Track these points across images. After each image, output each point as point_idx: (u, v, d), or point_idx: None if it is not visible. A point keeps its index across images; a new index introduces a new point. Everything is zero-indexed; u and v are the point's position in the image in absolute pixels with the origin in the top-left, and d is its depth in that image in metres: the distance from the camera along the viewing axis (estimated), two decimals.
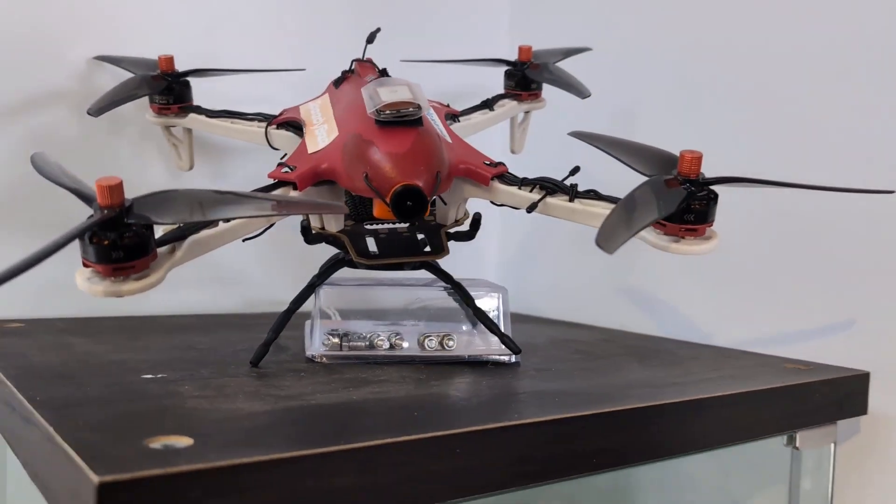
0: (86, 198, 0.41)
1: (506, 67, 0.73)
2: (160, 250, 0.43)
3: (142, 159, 0.77)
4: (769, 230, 0.72)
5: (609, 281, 0.87)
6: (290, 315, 0.56)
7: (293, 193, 0.50)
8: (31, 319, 0.70)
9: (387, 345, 0.57)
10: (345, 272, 0.57)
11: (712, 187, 0.46)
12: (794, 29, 0.71)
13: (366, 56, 0.64)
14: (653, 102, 0.82)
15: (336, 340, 0.56)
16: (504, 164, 0.54)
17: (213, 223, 0.44)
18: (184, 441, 0.34)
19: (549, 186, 0.51)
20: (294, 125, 0.60)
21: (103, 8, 0.74)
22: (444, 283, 0.58)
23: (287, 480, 0.34)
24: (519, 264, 0.96)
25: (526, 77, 0.72)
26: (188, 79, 0.68)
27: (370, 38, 0.65)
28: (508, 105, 0.71)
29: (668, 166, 0.48)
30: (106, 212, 0.39)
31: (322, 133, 0.54)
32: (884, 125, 0.65)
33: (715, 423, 0.51)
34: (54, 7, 0.72)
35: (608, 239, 0.41)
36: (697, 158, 0.46)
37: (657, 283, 0.83)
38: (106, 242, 0.40)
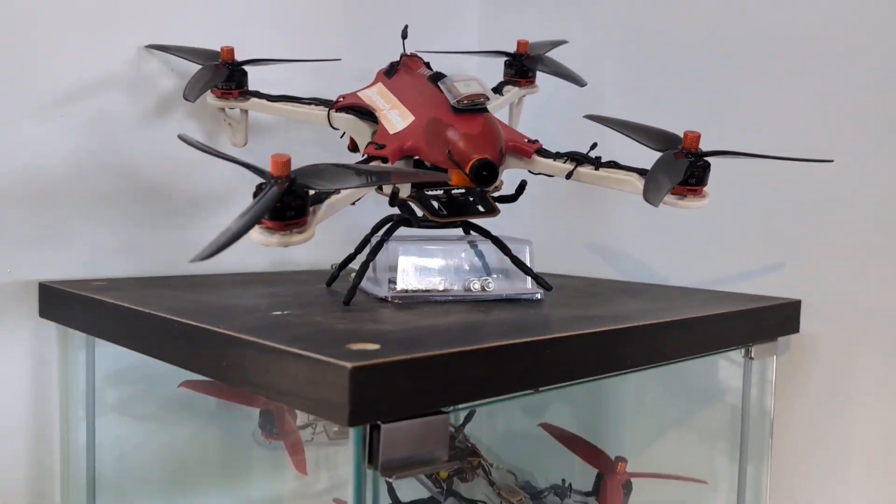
0: (258, 170, 0.53)
1: (506, 58, 0.87)
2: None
3: (195, 138, 0.87)
4: (712, 187, 0.90)
5: (576, 237, 1.04)
6: (369, 264, 0.69)
7: (382, 165, 0.63)
8: (106, 279, 0.80)
9: (441, 287, 0.71)
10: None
11: (707, 158, 0.63)
12: (747, 14, 0.88)
13: (406, 50, 0.77)
14: (613, 85, 0.99)
15: (402, 284, 0.70)
16: (539, 141, 0.68)
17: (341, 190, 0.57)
18: (372, 346, 0.48)
19: (578, 158, 0.66)
20: (356, 109, 0.72)
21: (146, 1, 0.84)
22: (482, 238, 0.72)
23: (453, 368, 0.48)
24: (494, 224, 1.11)
25: (524, 66, 0.86)
26: (245, 67, 0.79)
27: (404, 34, 0.78)
28: (512, 91, 0.85)
29: (673, 143, 0.64)
30: (280, 181, 0.52)
31: (395, 117, 0.67)
32: (811, 103, 0.83)
33: (699, 336, 0.68)
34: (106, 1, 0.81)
35: (653, 197, 0.57)
36: (697, 137, 0.62)
37: (618, 238, 1.00)
38: (281, 205, 0.52)
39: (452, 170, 0.63)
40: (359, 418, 0.43)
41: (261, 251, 0.94)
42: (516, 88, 0.86)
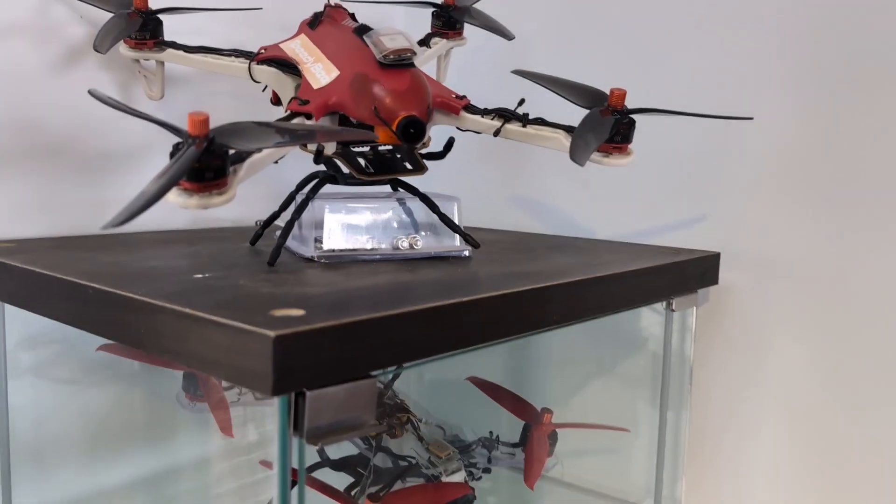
0: (174, 129, 0.51)
1: (433, 9, 0.85)
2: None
3: (98, 88, 0.83)
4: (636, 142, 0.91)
5: (500, 190, 1.04)
6: (293, 224, 0.67)
7: (308, 123, 0.61)
8: (13, 239, 0.76)
9: (368, 246, 0.70)
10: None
11: (633, 116, 0.63)
12: None
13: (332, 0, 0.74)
14: (540, 38, 0.98)
15: (328, 243, 0.69)
16: (467, 97, 0.67)
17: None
18: (297, 312, 0.47)
19: (506, 115, 0.66)
20: (279, 62, 0.70)
21: None
22: (410, 195, 0.72)
23: (379, 332, 0.47)
24: (422, 180, 1.11)
25: (452, 18, 0.84)
26: (160, 16, 0.75)
27: None
28: (439, 43, 0.84)
29: (599, 100, 0.64)
30: (198, 140, 0.49)
31: (319, 71, 0.65)
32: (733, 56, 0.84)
33: (623, 291, 0.70)
34: None
35: (579, 156, 0.56)
36: (623, 94, 0.62)
37: (545, 192, 1.00)
38: (199, 166, 0.50)
39: (379, 127, 0.61)
40: (283, 387, 0.43)
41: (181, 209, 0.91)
42: (444, 41, 0.84)
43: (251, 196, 0.87)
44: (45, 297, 0.59)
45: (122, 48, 0.75)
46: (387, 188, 0.75)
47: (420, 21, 0.88)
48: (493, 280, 0.61)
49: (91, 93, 0.55)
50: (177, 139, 0.51)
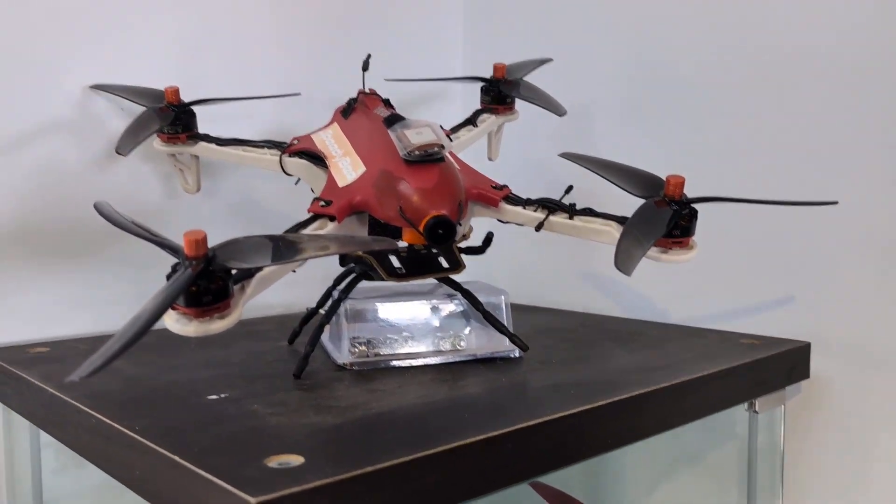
0: (171, 249, 0.47)
1: (482, 84, 0.80)
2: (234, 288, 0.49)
3: (140, 182, 0.81)
4: (715, 216, 0.82)
5: (570, 267, 0.96)
6: (323, 328, 0.62)
7: (331, 225, 0.56)
8: (49, 341, 0.74)
9: (406, 349, 0.64)
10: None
11: (694, 205, 0.55)
12: (733, 42, 0.80)
13: (365, 85, 0.70)
14: (600, 108, 0.91)
15: (362, 348, 0.63)
16: (508, 187, 0.61)
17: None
18: (296, 459, 0.41)
19: (550, 206, 0.59)
20: (309, 154, 0.66)
21: (93, 36, 0.77)
22: (451, 290, 0.66)
23: (392, 483, 0.41)
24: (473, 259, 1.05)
25: (501, 92, 0.79)
26: (193, 108, 0.73)
27: (365, 66, 0.71)
28: (488, 119, 0.78)
29: (655, 188, 0.56)
30: (195, 263, 0.45)
31: (346, 166, 0.61)
32: (819, 133, 0.75)
33: (697, 399, 0.61)
34: (46, 35, 0.75)
35: (625, 263, 0.49)
36: (681, 182, 0.55)
37: (613, 267, 0.92)
38: (196, 290, 0.45)
39: (406, 228, 0.56)
40: None
41: None
42: (493, 117, 0.79)
43: (305, 277, 0.84)
44: (57, 420, 0.56)
45: (156, 143, 0.73)
46: (431, 281, 0.69)
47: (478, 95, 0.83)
48: (543, 396, 0.54)
49: (96, 207, 0.52)
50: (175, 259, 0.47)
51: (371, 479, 0.40)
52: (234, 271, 0.48)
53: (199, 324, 0.46)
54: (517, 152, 0.95)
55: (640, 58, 0.88)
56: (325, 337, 0.68)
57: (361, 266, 0.63)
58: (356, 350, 0.63)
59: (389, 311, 0.65)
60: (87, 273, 0.78)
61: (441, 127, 0.72)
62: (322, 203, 0.57)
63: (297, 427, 0.47)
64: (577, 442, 0.51)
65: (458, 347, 0.65)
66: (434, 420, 0.49)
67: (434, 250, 0.62)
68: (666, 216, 0.54)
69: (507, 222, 0.61)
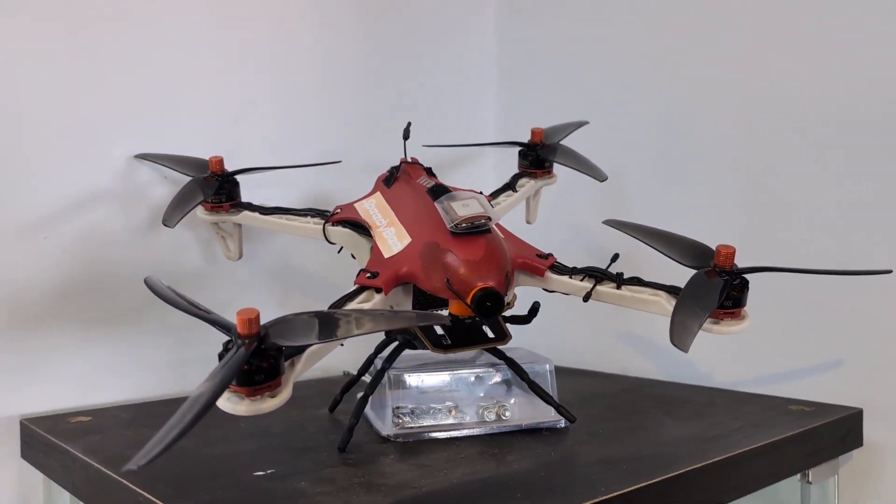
0: (223, 326, 0.47)
1: (519, 148, 0.81)
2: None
3: (181, 249, 0.82)
4: (762, 278, 0.81)
5: (607, 327, 0.95)
6: (367, 400, 0.62)
7: (377, 297, 0.56)
8: (90, 409, 0.74)
9: (450, 420, 0.63)
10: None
11: (745, 276, 0.55)
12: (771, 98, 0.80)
13: (406, 154, 0.70)
14: (638, 171, 0.91)
15: (406, 419, 0.63)
16: (553, 255, 0.61)
17: None
18: None
19: (596, 275, 0.59)
20: (353, 223, 0.66)
21: (136, 106, 0.79)
22: (495, 359, 0.65)
23: None
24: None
25: (539, 157, 0.79)
26: (236, 177, 0.73)
27: (406, 134, 0.71)
28: (527, 184, 0.78)
29: (705, 258, 0.56)
30: (248, 342, 0.45)
31: (391, 236, 0.61)
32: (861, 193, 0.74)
33: (752, 471, 0.59)
34: (90, 105, 0.76)
35: (682, 338, 0.49)
36: (732, 253, 0.54)
37: (654, 328, 0.91)
38: (249, 368, 0.45)
39: (453, 300, 0.56)
40: None
41: None
42: (532, 181, 0.79)
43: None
44: (102, 496, 0.55)
45: (200, 212, 0.74)
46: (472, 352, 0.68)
47: (513, 157, 0.83)
48: (595, 472, 0.53)
49: (147, 283, 0.52)
50: (226, 337, 0.47)
51: None
52: (284, 349, 0.48)
53: (251, 403, 0.46)
54: (554, 216, 0.95)
55: (677, 118, 0.88)
56: (371, 406, 0.68)
57: (405, 335, 0.62)
58: (400, 421, 0.62)
59: (433, 381, 0.64)
60: (126, 341, 0.79)
61: (480, 192, 0.72)
62: (368, 275, 0.57)
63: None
64: None
65: (503, 417, 0.64)
66: (485, 501, 0.48)
67: (477, 320, 0.62)
68: (718, 287, 0.53)
69: (552, 291, 0.61)
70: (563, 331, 0.99)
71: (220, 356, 0.46)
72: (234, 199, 0.73)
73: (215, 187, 0.72)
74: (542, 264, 0.60)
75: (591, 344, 0.96)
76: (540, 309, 0.62)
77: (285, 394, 0.47)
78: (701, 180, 0.86)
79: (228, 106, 0.84)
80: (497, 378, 0.65)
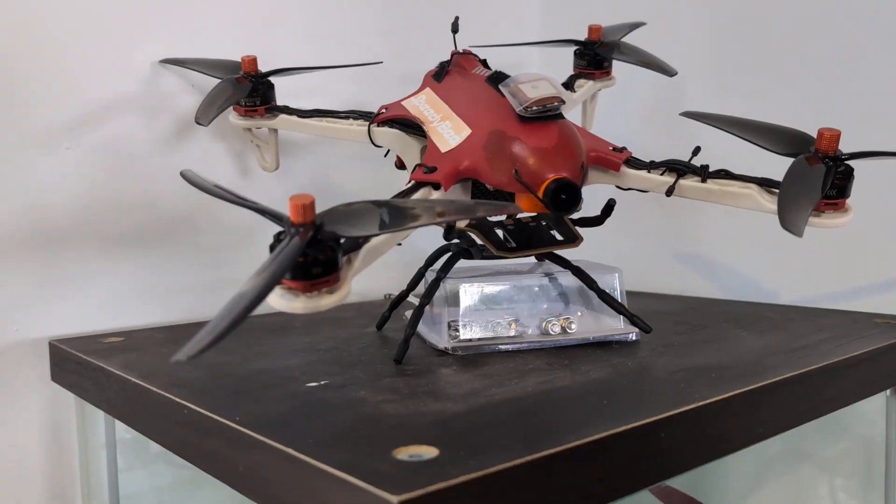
0: (273, 216, 0.41)
1: (575, 48, 0.74)
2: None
3: (213, 161, 0.76)
4: None
5: (664, 248, 0.90)
6: (423, 310, 0.57)
7: (436, 193, 0.51)
8: (122, 331, 0.70)
9: (512, 332, 0.58)
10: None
11: (849, 162, 0.48)
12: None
13: (457, 46, 0.64)
14: (693, 73, 0.84)
15: (465, 332, 0.58)
16: (628, 149, 0.55)
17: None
18: (429, 451, 0.35)
19: (679, 168, 0.53)
20: (401, 122, 0.60)
21: (161, 9, 0.73)
22: (560, 268, 0.60)
23: (536, 478, 0.35)
24: None
25: (598, 56, 0.73)
26: (271, 79, 0.68)
27: (454, 27, 0.65)
28: (586, 85, 0.72)
29: (803, 144, 0.49)
30: (303, 230, 0.40)
31: (447, 130, 0.55)
32: None
33: (847, 383, 0.54)
34: (114, 10, 0.70)
35: (794, 223, 0.43)
36: (836, 136, 0.48)
37: (712, 246, 0.85)
38: (304, 260, 0.40)
39: (522, 194, 0.50)
40: None
41: None
42: (590, 82, 0.72)
43: (379, 264, 0.79)
44: (143, 412, 0.51)
45: (232, 117, 0.68)
46: (531, 259, 0.63)
47: (560, 62, 0.77)
48: (684, 381, 0.48)
49: (183, 175, 0.47)
50: (278, 228, 0.41)
51: (522, 473, 0.34)
52: (342, 241, 0.42)
53: (308, 299, 0.41)
54: (603, 126, 0.89)
55: (735, 12, 0.81)
56: (426, 319, 0.63)
57: (462, 242, 0.57)
58: (457, 333, 0.57)
59: (492, 292, 0.59)
60: (156, 261, 0.74)
61: None
62: (425, 170, 0.51)
63: (417, 416, 0.41)
64: (734, 430, 0.44)
65: (569, 330, 0.59)
66: (570, 408, 0.43)
67: (543, 222, 0.56)
68: (821, 173, 0.47)
69: (627, 189, 0.55)
70: (613, 253, 0.94)
71: (272, 247, 0.41)
72: (270, 103, 0.68)
73: (248, 89, 0.66)
74: (617, 158, 0.54)
75: (644, 266, 0.91)
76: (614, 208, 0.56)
77: (344, 290, 0.42)
78: (761, 80, 0.79)
79: (258, 12, 0.78)
80: (562, 289, 0.60)
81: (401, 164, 0.66)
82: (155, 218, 0.74)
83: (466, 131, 0.53)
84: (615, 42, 0.72)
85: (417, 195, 0.51)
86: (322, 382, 0.49)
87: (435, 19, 0.88)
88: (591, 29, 0.73)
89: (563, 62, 0.76)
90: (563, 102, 0.50)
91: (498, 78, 0.55)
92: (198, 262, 0.76)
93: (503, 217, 0.56)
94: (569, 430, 0.38)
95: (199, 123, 0.63)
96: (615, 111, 0.89)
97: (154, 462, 0.71)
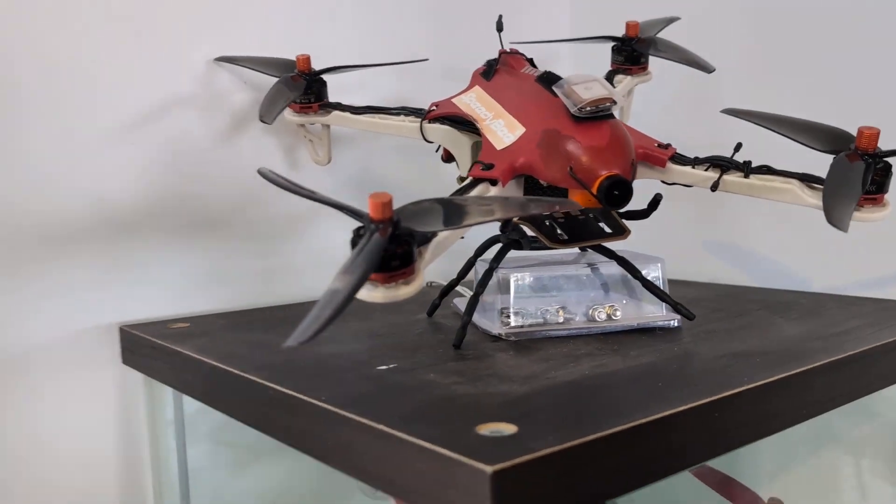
0: (353, 212, 0.45)
1: (613, 44, 0.77)
2: None
3: (264, 155, 0.80)
4: None
5: (693, 235, 0.93)
6: (478, 299, 0.60)
7: (493, 189, 0.54)
8: (186, 317, 0.74)
9: (560, 319, 0.62)
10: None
11: (888, 159, 0.51)
12: None
13: (503, 44, 0.67)
14: (728, 69, 0.87)
15: (517, 318, 0.61)
16: (672, 146, 0.58)
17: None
18: (508, 427, 0.39)
19: (722, 164, 0.56)
20: (452, 119, 0.63)
21: (215, 9, 0.76)
22: (603, 258, 0.63)
23: (611, 452, 0.38)
24: None
25: (635, 51, 0.75)
26: (323, 77, 0.71)
27: (499, 26, 0.68)
28: (624, 81, 0.75)
29: (843, 142, 0.52)
30: (382, 226, 0.43)
31: (500, 128, 0.58)
32: None
33: (880, 369, 0.57)
34: (170, 9, 0.74)
35: (839, 220, 0.46)
36: (875, 134, 0.51)
37: (742, 235, 0.88)
38: (385, 254, 0.43)
39: (576, 190, 0.53)
40: None
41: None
42: (628, 77, 0.75)
43: None
44: (224, 394, 0.55)
45: (287, 113, 0.71)
46: (574, 249, 0.66)
47: (590, 58, 0.79)
48: (730, 365, 0.51)
49: (261, 173, 0.50)
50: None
51: (596, 448, 0.37)
52: (415, 235, 0.46)
53: (386, 290, 0.44)
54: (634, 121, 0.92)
55: (769, 6, 0.83)
56: (480, 307, 0.66)
57: (511, 234, 0.60)
58: (508, 320, 0.61)
59: (542, 281, 0.62)
60: (213, 250, 0.78)
61: None
62: (483, 167, 0.55)
63: (487, 396, 0.45)
64: (779, 411, 0.48)
65: (614, 318, 0.62)
66: (627, 389, 0.46)
67: (591, 215, 0.59)
68: (860, 170, 0.50)
69: (672, 183, 0.58)
70: (645, 243, 0.97)
71: (353, 242, 0.45)
72: (323, 100, 0.71)
73: (303, 87, 0.70)
74: (663, 154, 0.57)
75: (676, 255, 0.94)
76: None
77: (419, 281, 0.45)
78: (797, 74, 0.82)
79: (308, 10, 0.81)
80: (606, 278, 0.63)
81: (447, 158, 0.69)
82: (209, 210, 0.77)
83: (520, 130, 0.57)
84: (652, 38, 0.75)
85: (476, 191, 0.54)
86: (391, 366, 0.53)
87: (470, 17, 0.91)
88: (629, 25, 0.76)
89: (593, 59, 0.79)
90: (615, 103, 0.53)
91: (549, 78, 0.58)
92: (249, 252, 0.80)
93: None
94: (630, 410, 0.41)
95: (263, 122, 0.67)
96: (647, 105, 0.92)
97: (217, 435, 0.75)
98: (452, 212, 0.46)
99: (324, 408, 0.44)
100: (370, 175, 0.86)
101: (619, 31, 0.75)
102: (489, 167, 0.55)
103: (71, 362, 0.70)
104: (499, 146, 0.57)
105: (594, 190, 0.51)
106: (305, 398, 0.45)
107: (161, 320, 0.72)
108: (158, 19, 0.73)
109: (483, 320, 0.63)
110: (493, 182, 0.54)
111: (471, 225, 0.47)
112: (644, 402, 0.42)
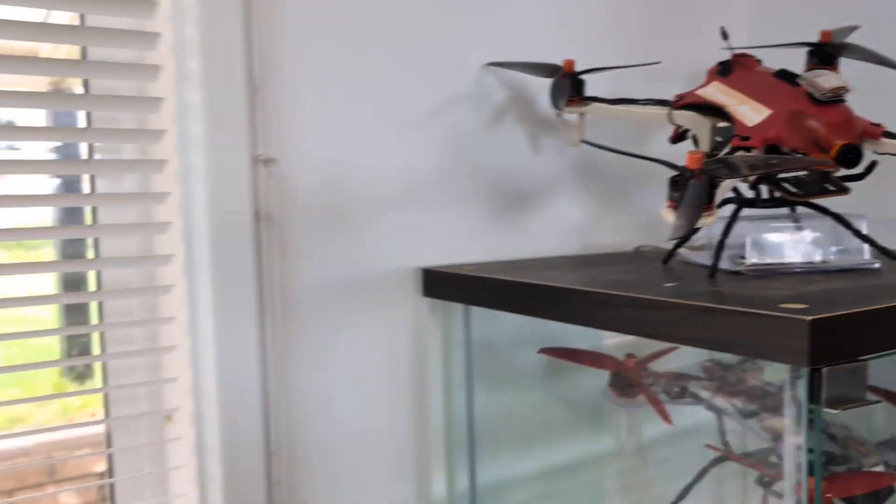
0: (673, 165, 0.64)
1: (808, 48, 0.94)
2: None
3: (514, 142, 1.01)
4: None
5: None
6: (724, 242, 0.78)
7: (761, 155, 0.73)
8: (470, 264, 0.95)
9: (786, 260, 0.80)
10: None
11: None
12: None
13: (736, 50, 0.86)
14: None
15: (751, 258, 0.79)
16: (882, 125, 0.76)
17: None
18: (799, 306, 0.57)
19: None
20: (696, 106, 0.83)
21: (485, 23, 0.98)
22: (815, 212, 0.80)
23: (871, 322, 0.56)
24: None
25: (829, 55, 0.92)
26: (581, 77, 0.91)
27: (724, 35, 0.87)
28: None
29: None
30: (699, 173, 0.63)
31: (747, 111, 0.77)
32: None
33: None
34: (455, 23, 0.96)
35: None
36: None
37: None
38: (701, 192, 0.63)
39: (813, 154, 0.72)
40: (815, 361, 0.53)
41: (570, 238, 1.06)
42: None
43: (625, 225, 1.03)
44: (544, 302, 0.75)
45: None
46: (783, 209, 0.84)
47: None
48: None
49: (589, 142, 0.70)
50: (673, 173, 0.65)
51: (859, 318, 0.56)
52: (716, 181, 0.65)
53: (699, 220, 0.64)
54: None
55: None
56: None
57: (740, 199, 0.79)
58: (743, 260, 0.79)
59: (770, 230, 0.80)
60: (483, 212, 0.99)
61: None
62: (740, 138, 0.74)
63: (765, 295, 0.64)
64: None
65: (827, 261, 0.80)
66: (859, 294, 0.64)
67: (814, 177, 0.77)
68: None
69: (883, 153, 0.76)
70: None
71: (673, 186, 0.64)
72: (582, 94, 0.91)
73: (569, 84, 0.90)
74: (877, 130, 0.75)
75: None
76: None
77: (715, 216, 0.65)
78: None
79: (560, 30, 1.02)
80: (819, 228, 0.81)
81: (675, 139, 0.89)
82: (480, 180, 0.98)
83: (766, 111, 0.75)
84: (843, 43, 0.92)
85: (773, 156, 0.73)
86: (674, 283, 0.72)
87: (669, 27, 1.10)
88: (823, 34, 0.93)
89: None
90: (849, 91, 0.71)
91: (786, 73, 0.76)
92: (507, 214, 1.01)
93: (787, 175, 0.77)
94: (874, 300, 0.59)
95: (556, 110, 0.88)
96: None
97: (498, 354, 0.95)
98: (745, 164, 0.65)
99: (673, 301, 0.63)
100: (592, 157, 1.05)
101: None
102: (745, 139, 0.74)
103: (385, 294, 0.92)
104: (749, 124, 0.75)
105: (833, 154, 0.70)
106: (639, 295, 0.65)
107: (454, 265, 0.94)
108: (445, 29, 0.95)
109: (724, 260, 0.82)
110: (749, 150, 0.73)
111: (754, 175, 0.66)
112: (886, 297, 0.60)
